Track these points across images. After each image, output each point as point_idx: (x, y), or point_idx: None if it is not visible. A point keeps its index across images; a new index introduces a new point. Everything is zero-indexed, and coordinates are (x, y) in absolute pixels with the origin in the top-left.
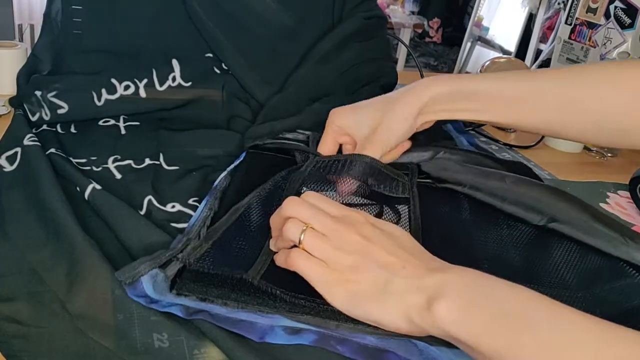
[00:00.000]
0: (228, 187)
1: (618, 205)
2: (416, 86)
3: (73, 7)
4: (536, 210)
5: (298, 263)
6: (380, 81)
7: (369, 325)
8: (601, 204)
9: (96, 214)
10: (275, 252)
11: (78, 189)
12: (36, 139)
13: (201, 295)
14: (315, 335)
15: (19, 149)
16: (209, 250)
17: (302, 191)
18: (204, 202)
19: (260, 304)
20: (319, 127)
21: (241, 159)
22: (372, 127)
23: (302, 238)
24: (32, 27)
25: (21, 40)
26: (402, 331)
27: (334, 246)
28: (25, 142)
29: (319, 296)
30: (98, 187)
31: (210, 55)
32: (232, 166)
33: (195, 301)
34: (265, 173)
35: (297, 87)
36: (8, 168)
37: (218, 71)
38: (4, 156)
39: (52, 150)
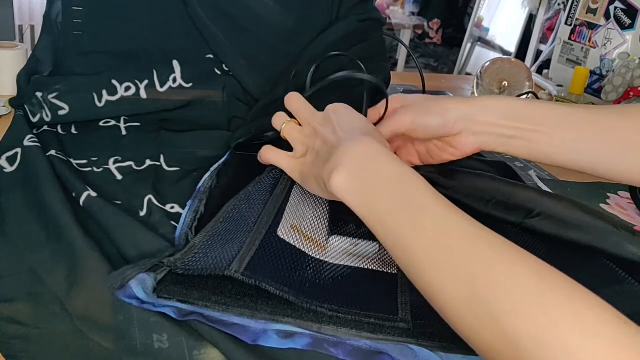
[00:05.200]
0: (214, 189)
1: (618, 205)
2: (472, 97)
3: (74, 8)
4: (521, 207)
5: (266, 155)
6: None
7: (352, 329)
8: (601, 205)
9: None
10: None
11: (74, 194)
12: (36, 139)
13: (182, 298)
14: (309, 338)
15: (19, 150)
16: (195, 253)
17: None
18: (187, 207)
19: (242, 306)
20: None
21: (225, 159)
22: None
23: (283, 127)
24: (32, 27)
25: (22, 41)
26: (323, 197)
27: (301, 135)
28: (26, 142)
29: (303, 294)
30: (94, 194)
31: (211, 56)
32: (215, 166)
33: (178, 304)
34: (251, 175)
35: (286, 86)
36: (8, 169)
37: (219, 72)
38: (4, 157)
39: (52, 152)
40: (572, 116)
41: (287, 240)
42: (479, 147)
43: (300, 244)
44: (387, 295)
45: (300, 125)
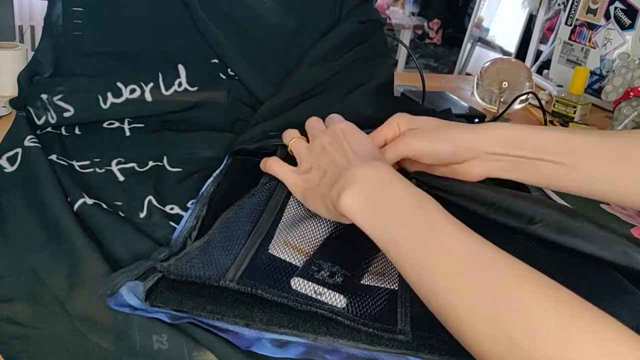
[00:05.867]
0: (215, 194)
1: (618, 205)
2: (480, 125)
3: (74, 8)
4: (522, 214)
5: (272, 166)
6: (374, 80)
7: (349, 340)
8: (602, 205)
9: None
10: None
11: (69, 199)
12: (37, 140)
13: (175, 307)
14: (303, 347)
15: (19, 150)
16: (189, 259)
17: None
18: (189, 211)
19: (237, 315)
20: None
21: (226, 164)
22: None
23: (292, 142)
24: (32, 28)
25: (22, 41)
26: (327, 217)
27: (308, 152)
28: (26, 143)
29: (300, 296)
30: (89, 201)
31: (216, 61)
32: (217, 172)
33: (171, 312)
34: (253, 180)
35: (290, 89)
36: (9, 169)
37: (224, 76)
38: (4, 157)
39: (53, 157)
40: (580, 143)
41: (280, 257)
42: (487, 175)
43: (295, 259)
44: (386, 305)
45: (308, 142)
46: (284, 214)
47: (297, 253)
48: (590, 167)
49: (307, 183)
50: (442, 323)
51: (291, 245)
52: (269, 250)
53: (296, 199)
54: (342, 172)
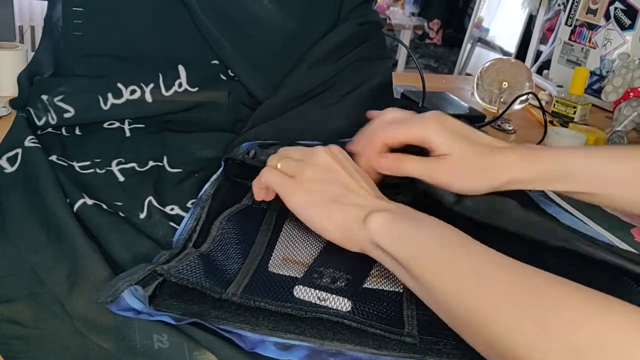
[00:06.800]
0: (215, 197)
1: None
2: (503, 161)
3: (74, 8)
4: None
5: (266, 175)
6: (371, 83)
7: (355, 345)
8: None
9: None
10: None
11: (68, 200)
12: (37, 140)
13: (180, 312)
14: (306, 350)
15: (19, 150)
16: (192, 264)
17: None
18: (189, 214)
19: (242, 321)
20: (308, 127)
21: (223, 167)
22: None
23: (279, 165)
24: (32, 28)
25: (22, 41)
26: (334, 239)
27: (303, 163)
28: (27, 143)
29: (304, 304)
30: (89, 202)
31: (216, 62)
32: (215, 175)
33: (176, 315)
34: (250, 182)
35: (287, 91)
36: (9, 169)
37: (224, 78)
38: (4, 157)
39: (54, 158)
40: (609, 170)
41: (281, 273)
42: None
43: (295, 271)
44: (392, 308)
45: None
46: (282, 230)
47: (297, 266)
48: (622, 193)
49: (314, 194)
50: (471, 334)
51: (290, 260)
52: (269, 269)
53: (290, 220)
54: (372, 201)
